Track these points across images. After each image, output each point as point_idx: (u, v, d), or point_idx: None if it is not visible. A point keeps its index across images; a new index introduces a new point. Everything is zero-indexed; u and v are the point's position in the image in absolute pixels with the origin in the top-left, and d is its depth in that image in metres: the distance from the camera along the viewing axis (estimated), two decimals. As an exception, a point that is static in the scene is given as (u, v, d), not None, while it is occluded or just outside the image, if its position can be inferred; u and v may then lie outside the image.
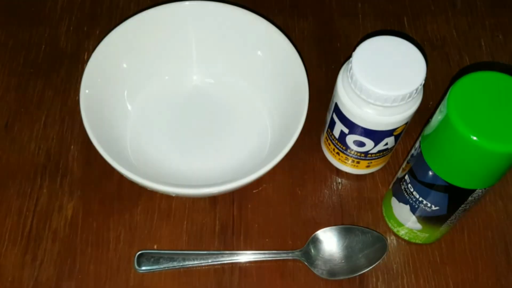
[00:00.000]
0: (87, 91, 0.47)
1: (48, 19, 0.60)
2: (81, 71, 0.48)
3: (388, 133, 0.45)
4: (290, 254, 0.47)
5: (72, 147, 0.52)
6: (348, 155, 0.49)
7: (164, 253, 0.47)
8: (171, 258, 0.47)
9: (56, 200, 0.50)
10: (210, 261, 0.47)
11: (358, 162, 0.49)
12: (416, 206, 0.44)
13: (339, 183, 0.51)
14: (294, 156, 0.52)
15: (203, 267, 0.47)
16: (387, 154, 0.49)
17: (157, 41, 0.53)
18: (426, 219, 0.44)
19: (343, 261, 0.47)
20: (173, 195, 0.48)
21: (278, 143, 0.48)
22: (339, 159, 0.50)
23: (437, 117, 0.38)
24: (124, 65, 0.52)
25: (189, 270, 0.47)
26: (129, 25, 0.51)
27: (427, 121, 0.48)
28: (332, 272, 0.47)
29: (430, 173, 0.40)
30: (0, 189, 0.50)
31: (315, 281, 0.46)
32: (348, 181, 0.52)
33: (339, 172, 0.52)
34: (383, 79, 0.41)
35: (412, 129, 0.54)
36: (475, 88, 0.36)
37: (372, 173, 0.52)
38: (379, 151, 0.47)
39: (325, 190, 0.51)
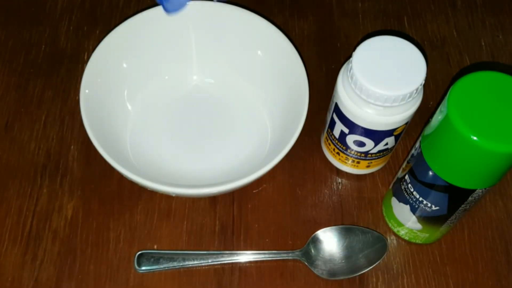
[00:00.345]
0: (87, 91, 0.47)
1: (48, 19, 0.60)
2: (81, 71, 0.49)
3: (388, 133, 0.45)
4: (290, 254, 0.47)
5: (72, 147, 0.52)
6: (348, 155, 0.49)
7: (164, 253, 0.47)
8: (171, 258, 0.47)
9: (56, 200, 0.50)
10: (210, 261, 0.47)
11: (358, 162, 0.49)
12: (416, 206, 0.44)
13: (339, 183, 0.51)
14: (294, 156, 0.52)
15: (203, 267, 0.47)
16: (387, 154, 0.49)
17: (157, 41, 0.53)
18: (426, 219, 0.44)
19: (343, 261, 0.47)
20: (173, 195, 0.48)
21: (278, 143, 0.48)
22: (339, 159, 0.50)
23: (437, 117, 0.38)
24: (124, 65, 0.52)
25: (189, 270, 0.47)
26: (129, 25, 0.51)
27: (427, 121, 0.48)
28: (332, 272, 0.47)
29: (430, 173, 0.40)
30: (0, 189, 0.50)
31: (315, 281, 0.46)
32: (348, 181, 0.52)
33: (339, 172, 0.52)
34: (383, 79, 0.41)
35: (412, 129, 0.54)
36: (475, 88, 0.36)
37: (372, 173, 0.52)
38: (379, 151, 0.47)
39: (325, 190, 0.51)
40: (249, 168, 0.48)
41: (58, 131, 0.53)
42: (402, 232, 0.48)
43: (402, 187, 0.44)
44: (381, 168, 0.52)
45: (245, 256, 0.47)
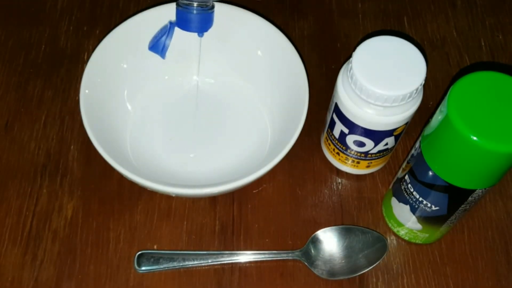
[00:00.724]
0: (87, 91, 0.47)
1: (48, 19, 0.60)
2: (81, 71, 0.49)
3: (388, 133, 0.45)
4: (290, 254, 0.47)
5: (72, 147, 0.52)
6: (348, 155, 0.49)
7: (164, 253, 0.47)
8: (171, 258, 0.47)
9: (56, 200, 0.50)
10: (210, 261, 0.47)
11: (358, 162, 0.49)
12: (416, 206, 0.44)
13: (339, 183, 0.51)
14: (294, 156, 0.52)
15: (203, 267, 0.47)
16: (387, 154, 0.49)
17: (157, 41, 0.53)
18: (426, 219, 0.44)
19: (343, 261, 0.47)
20: (173, 195, 0.48)
21: (278, 143, 0.48)
22: (339, 159, 0.50)
23: (437, 117, 0.38)
24: (124, 65, 0.52)
25: (189, 270, 0.47)
26: (129, 25, 0.51)
27: (427, 121, 0.48)
28: (332, 272, 0.47)
29: (430, 173, 0.40)
30: (0, 189, 0.50)
31: (315, 281, 0.46)
32: (348, 181, 0.52)
33: (339, 172, 0.52)
34: (383, 79, 0.41)
35: (412, 129, 0.54)
36: (475, 88, 0.36)
37: (372, 173, 0.52)
38: (379, 151, 0.47)
39: (325, 190, 0.51)
40: (249, 168, 0.48)
41: (58, 131, 0.53)
42: (402, 232, 0.48)
43: (402, 187, 0.44)
44: (381, 168, 0.52)
45: (245, 256, 0.47)
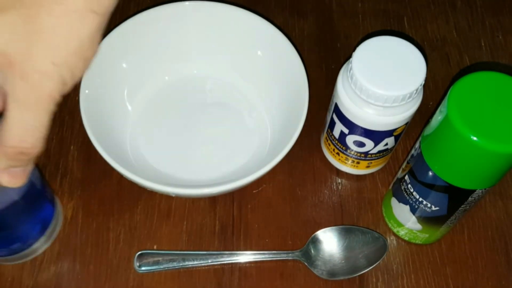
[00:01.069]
0: (87, 91, 0.47)
1: (48, 19, 0.60)
2: (81, 71, 0.48)
3: (388, 133, 0.45)
4: (290, 255, 0.47)
5: (72, 147, 0.52)
6: (348, 156, 0.49)
7: (164, 253, 0.47)
8: (171, 259, 0.47)
9: (56, 200, 0.50)
10: (210, 261, 0.47)
11: (358, 163, 0.49)
12: (416, 207, 0.44)
13: (339, 183, 0.51)
14: (294, 156, 0.52)
15: (203, 268, 0.47)
16: (387, 155, 0.49)
17: (157, 41, 0.53)
18: (426, 220, 0.44)
19: (343, 261, 0.47)
20: (173, 195, 0.48)
21: (278, 143, 0.48)
22: (339, 159, 0.50)
23: (437, 118, 0.38)
24: (124, 65, 0.52)
25: (189, 271, 0.47)
26: (129, 25, 0.51)
27: (427, 122, 0.48)
28: (332, 273, 0.47)
29: (430, 173, 0.40)
30: (0, 189, 0.50)
31: (315, 282, 0.46)
32: (348, 181, 0.52)
33: (339, 172, 0.52)
34: (383, 79, 0.41)
35: (412, 129, 0.54)
36: (475, 88, 0.36)
37: (372, 173, 0.52)
38: (379, 152, 0.47)
39: (325, 190, 0.51)
40: (249, 168, 0.48)
41: (58, 131, 0.53)
42: (402, 233, 0.48)
43: (402, 187, 0.44)
44: (381, 169, 0.52)
45: (245, 256, 0.47)
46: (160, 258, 0.47)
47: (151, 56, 0.53)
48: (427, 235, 0.46)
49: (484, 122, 0.35)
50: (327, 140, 0.50)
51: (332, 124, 0.47)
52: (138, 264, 0.46)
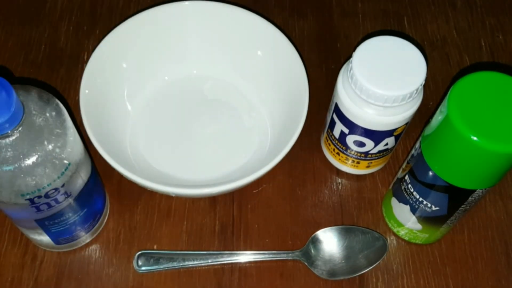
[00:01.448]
0: (87, 91, 0.47)
1: (48, 19, 0.60)
2: (81, 71, 0.48)
3: (388, 133, 0.45)
4: (290, 254, 0.47)
5: (72, 147, 0.52)
6: (348, 155, 0.49)
7: (164, 253, 0.47)
8: (171, 258, 0.47)
9: (56, 200, 0.49)
10: (210, 261, 0.47)
11: (358, 162, 0.49)
12: (416, 207, 0.44)
13: (339, 183, 0.51)
14: (294, 156, 0.52)
15: (203, 267, 0.47)
16: (387, 155, 0.49)
17: (157, 41, 0.53)
18: (426, 220, 0.44)
19: (343, 261, 0.47)
20: (173, 195, 0.48)
21: (278, 143, 0.48)
22: (339, 159, 0.50)
23: (438, 117, 0.38)
24: (124, 65, 0.52)
25: (189, 270, 0.47)
26: (129, 25, 0.51)
27: (427, 121, 0.48)
28: (332, 272, 0.47)
29: (431, 173, 0.40)
30: None
31: (315, 281, 0.46)
32: (348, 181, 0.52)
33: (339, 172, 0.52)
34: (383, 79, 0.41)
35: (412, 129, 0.54)
36: (475, 88, 0.36)
37: (372, 173, 0.52)
38: (379, 151, 0.47)
39: (325, 190, 0.51)
40: (249, 168, 0.48)
41: (58, 131, 0.53)
42: (402, 232, 0.48)
43: (402, 187, 0.44)
44: (381, 168, 0.52)
45: (245, 256, 0.47)
46: (160, 258, 0.47)
47: (151, 56, 0.53)
48: (427, 235, 0.46)
49: (484, 122, 0.35)
50: (327, 140, 0.50)
51: (332, 124, 0.47)
52: (138, 264, 0.46)
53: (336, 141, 0.48)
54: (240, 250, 0.48)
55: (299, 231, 0.49)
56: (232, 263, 0.47)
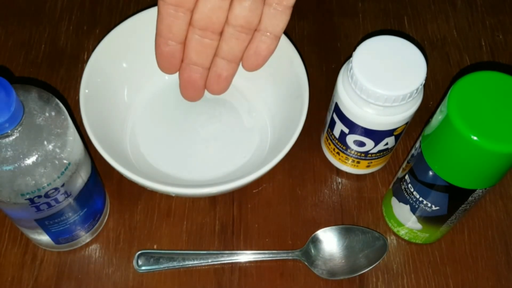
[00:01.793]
0: (87, 91, 0.47)
1: (48, 18, 0.60)
2: (81, 70, 0.48)
3: (389, 133, 0.45)
4: (290, 254, 0.47)
5: (72, 147, 0.52)
6: (348, 155, 0.49)
7: (164, 253, 0.47)
8: (171, 258, 0.47)
9: (56, 200, 0.49)
10: (210, 261, 0.47)
11: (358, 162, 0.49)
12: (416, 206, 0.44)
13: (339, 183, 0.51)
14: (294, 156, 0.52)
15: (203, 267, 0.47)
16: (387, 154, 0.49)
17: (157, 41, 0.53)
18: (426, 219, 0.44)
19: (343, 261, 0.47)
20: (173, 195, 0.48)
21: (278, 143, 0.48)
22: (339, 159, 0.50)
23: (438, 117, 0.38)
24: (124, 65, 0.52)
25: (189, 270, 0.47)
26: (129, 25, 0.51)
27: (427, 121, 0.48)
28: (332, 272, 0.47)
29: (431, 173, 0.40)
30: None
31: (315, 281, 0.46)
32: (348, 181, 0.52)
33: (339, 172, 0.52)
34: (383, 79, 0.41)
35: (412, 129, 0.54)
36: (475, 88, 0.36)
37: (372, 173, 0.52)
38: (379, 151, 0.47)
39: (325, 190, 0.51)
40: (249, 168, 0.48)
41: (58, 131, 0.53)
42: (402, 232, 0.48)
43: (402, 187, 0.44)
44: (381, 168, 0.52)
45: (245, 256, 0.47)
46: (160, 258, 0.47)
47: (151, 56, 0.53)
48: (427, 235, 0.46)
49: (484, 122, 0.35)
50: (327, 140, 0.50)
51: (332, 124, 0.47)
52: (138, 263, 0.46)
53: (336, 141, 0.48)
54: (240, 250, 0.48)
55: (299, 231, 0.49)
56: (232, 263, 0.47)
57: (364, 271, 0.47)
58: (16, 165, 0.35)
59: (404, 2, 0.63)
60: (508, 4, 0.64)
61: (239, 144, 0.52)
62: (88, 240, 0.47)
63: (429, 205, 0.42)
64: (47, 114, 0.37)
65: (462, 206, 0.41)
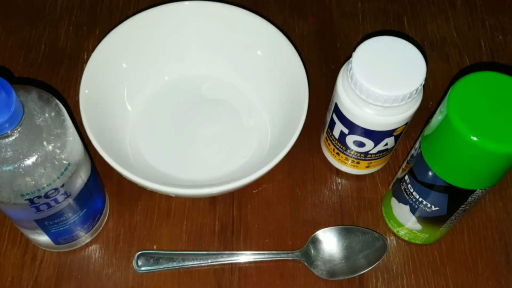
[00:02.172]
0: (86, 91, 0.47)
1: (48, 19, 0.60)
2: (81, 71, 0.48)
3: (388, 133, 0.45)
4: (290, 255, 0.47)
5: (72, 147, 0.52)
6: (348, 156, 0.49)
7: (163, 253, 0.47)
8: (171, 259, 0.47)
9: (55, 200, 0.49)
10: (209, 261, 0.47)
11: (358, 163, 0.49)
12: (416, 207, 0.44)
13: (339, 183, 0.51)
14: (294, 156, 0.52)
15: (203, 268, 0.47)
16: (387, 155, 0.49)
17: (157, 41, 0.53)
18: (426, 220, 0.44)
19: (343, 261, 0.47)
20: (173, 195, 0.48)
21: (278, 143, 0.48)
22: (339, 159, 0.50)
23: (437, 118, 0.38)
24: (124, 65, 0.52)
25: (189, 271, 0.47)
26: (129, 25, 0.51)
27: (427, 122, 0.48)
28: (332, 273, 0.47)
29: (430, 173, 0.40)
30: (-1, 189, 0.50)
31: (314, 282, 0.46)
32: (348, 181, 0.52)
33: (339, 172, 0.52)
34: (383, 79, 0.41)
35: (412, 129, 0.54)
36: (475, 88, 0.36)
37: (372, 173, 0.52)
38: (379, 152, 0.47)
39: (325, 190, 0.51)
40: (249, 168, 0.48)
41: (58, 131, 0.53)
42: (401, 233, 0.48)
43: (402, 187, 0.44)
44: (381, 169, 0.52)
45: (245, 257, 0.47)
46: (160, 258, 0.47)
47: (151, 56, 0.53)
48: (427, 235, 0.46)
49: (484, 122, 0.35)
50: (327, 140, 0.50)
51: (332, 124, 0.47)
52: (138, 264, 0.46)
53: (336, 141, 0.48)
54: (240, 250, 0.48)
55: (299, 231, 0.49)
56: (232, 263, 0.47)
57: (364, 272, 0.47)
58: (16, 165, 0.35)
59: (404, 2, 0.63)
60: (508, 5, 0.64)
61: (239, 145, 0.52)
62: (88, 240, 0.47)
63: (429, 205, 0.42)
64: (47, 115, 0.37)
65: (462, 206, 0.41)
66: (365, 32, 0.61)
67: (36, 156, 0.36)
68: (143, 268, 0.46)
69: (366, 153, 0.48)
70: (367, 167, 0.50)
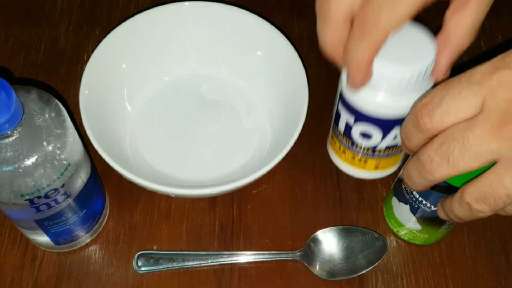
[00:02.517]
0: (86, 91, 0.47)
1: (48, 19, 0.60)
2: (81, 71, 0.48)
3: (397, 122, 0.43)
4: (290, 255, 0.47)
5: (71, 147, 0.52)
6: (354, 152, 0.48)
7: (163, 254, 0.47)
8: (171, 259, 0.47)
9: (55, 200, 0.49)
10: (209, 261, 0.47)
11: (365, 161, 0.48)
12: (416, 207, 0.44)
13: (339, 183, 0.51)
14: (294, 157, 0.51)
15: (203, 268, 0.47)
16: (396, 154, 0.48)
17: (157, 41, 0.53)
18: (426, 220, 0.44)
19: (342, 261, 0.47)
20: (173, 195, 0.48)
21: (278, 143, 0.48)
22: (345, 158, 0.49)
23: (437, 118, 0.37)
24: (124, 65, 0.52)
25: (189, 271, 0.47)
26: (129, 25, 0.51)
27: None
28: (331, 273, 0.47)
29: (430, 173, 0.39)
30: None
31: (314, 282, 0.46)
32: (348, 182, 0.52)
33: (339, 172, 0.52)
34: (390, 60, 0.40)
35: (412, 130, 0.54)
36: (475, 88, 0.36)
37: (372, 174, 0.52)
38: (387, 147, 0.46)
39: (325, 191, 0.51)
40: (249, 169, 0.48)
41: (58, 131, 0.53)
42: (402, 233, 0.48)
43: (403, 186, 0.44)
44: (381, 169, 0.52)
45: (245, 257, 0.47)
46: (160, 259, 0.47)
47: (151, 56, 0.54)
48: (426, 236, 0.46)
49: (484, 123, 0.35)
50: (333, 139, 0.50)
51: (337, 118, 0.46)
52: (137, 264, 0.46)
53: (342, 137, 0.48)
54: (239, 250, 0.48)
55: (299, 231, 0.49)
56: (231, 264, 0.47)
57: (363, 272, 0.47)
58: (15, 166, 0.35)
59: (404, 2, 0.63)
60: (508, 5, 0.64)
61: (239, 145, 0.52)
62: (87, 240, 0.47)
63: (429, 205, 0.42)
64: (47, 115, 0.37)
65: (462, 206, 0.41)
66: (365, 32, 0.61)
67: (36, 156, 0.36)
68: (143, 269, 0.46)
69: (374, 149, 0.47)
70: (376, 167, 0.49)
